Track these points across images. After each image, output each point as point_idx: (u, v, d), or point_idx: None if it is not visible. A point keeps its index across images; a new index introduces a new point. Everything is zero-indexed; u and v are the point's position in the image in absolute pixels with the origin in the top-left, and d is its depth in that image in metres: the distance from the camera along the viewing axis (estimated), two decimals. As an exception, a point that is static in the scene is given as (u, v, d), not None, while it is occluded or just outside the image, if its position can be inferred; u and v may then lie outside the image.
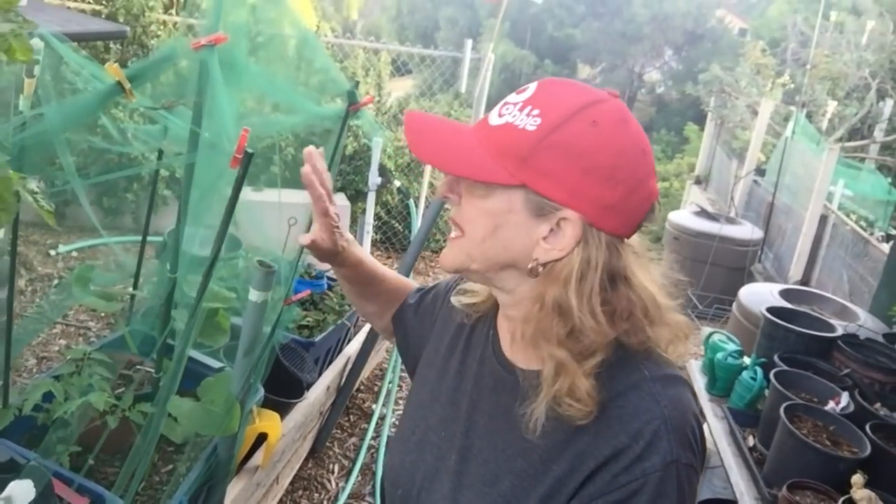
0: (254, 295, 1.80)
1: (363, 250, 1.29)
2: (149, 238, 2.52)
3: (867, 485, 2.10)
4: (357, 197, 5.84)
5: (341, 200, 5.61)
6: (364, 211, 4.60)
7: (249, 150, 1.23)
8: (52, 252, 4.94)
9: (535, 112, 0.89)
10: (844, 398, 2.62)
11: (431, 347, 1.21)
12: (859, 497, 2.04)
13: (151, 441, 1.76)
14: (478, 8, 21.27)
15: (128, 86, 1.26)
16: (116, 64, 1.25)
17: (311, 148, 1.13)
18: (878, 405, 2.64)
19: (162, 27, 6.31)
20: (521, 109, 0.90)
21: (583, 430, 0.90)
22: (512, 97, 0.93)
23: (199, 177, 1.65)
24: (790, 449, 2.33)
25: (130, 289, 2.41)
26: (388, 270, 1.38)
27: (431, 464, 1.07)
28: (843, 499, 2.03)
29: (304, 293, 2.35)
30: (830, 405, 2.58)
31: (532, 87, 0.93)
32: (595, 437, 0.90)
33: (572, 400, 0.89)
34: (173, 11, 6.64)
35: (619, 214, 0.89)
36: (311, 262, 3.44)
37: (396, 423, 3.72)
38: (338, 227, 1.19)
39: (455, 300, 1.16)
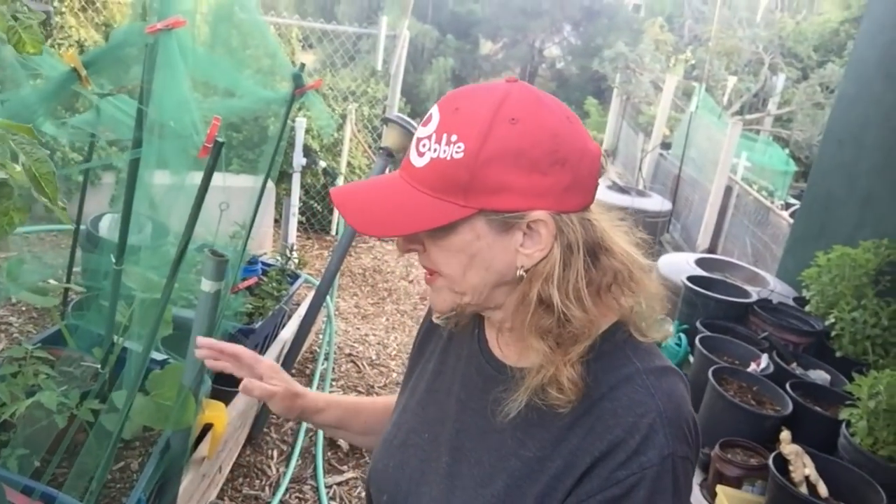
0: (206, 285, 1.76)
1: (322, 396, 1.29)
2: (67, 227, 2.41)
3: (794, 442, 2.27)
4: (281, 179, 5.73)
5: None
6: (289, 193, 4.53)
7: (220, 140, 1.20)
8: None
9: (454, 138, 0.87)
10: (764, 360, 2.80)
11: (420, 345, 1.21)
12: (788, 451, 2.20)
13: (105, 440, 1.71)
14: (379, -19, 21.02)
15: (84, 73, 1.21)
16: (73, 50, 1.20)
17: (200, 341, 1.20)
18: (794, 365, 2.83)
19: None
20: (437, 141, 0.88)
21: (577, 426, 0.90)
22: (421, 131, 0.91)
23: (151, 163, 1.60)
24: (719, 410, 2.48)
25: (59, 282, 2.31)
26: (362, 400, 1.36)
27: (416, 466, 1.06)
28: (773, 454, 2.18)
29: (252, 280, 2.31)
30: (752, 367, 2.75)
31: (435, 115, 0.90)
32: (589, 433, 0.89)
33: (555, 390, 0.89)
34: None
35: (578, 189, 0.90)
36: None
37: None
38: (279, 384, 1.19)
39: (440, 320, 1.13)
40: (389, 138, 3.01)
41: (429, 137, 0.90)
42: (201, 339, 1.20)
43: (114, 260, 1.81)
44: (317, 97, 1.95)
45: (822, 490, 2.12)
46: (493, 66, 17.62)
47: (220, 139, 1.19)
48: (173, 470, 1.92)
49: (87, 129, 1.81)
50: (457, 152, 0.87)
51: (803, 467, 2.17)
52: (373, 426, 1.28)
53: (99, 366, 1.94)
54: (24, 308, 3.55)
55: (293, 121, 4.46)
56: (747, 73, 10.37)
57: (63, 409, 1.77)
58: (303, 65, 1.96)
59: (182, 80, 1.44)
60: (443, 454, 1.03)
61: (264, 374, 1.21)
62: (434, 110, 0.91)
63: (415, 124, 2.99)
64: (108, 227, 3.01)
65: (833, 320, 2.96)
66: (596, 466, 0.87)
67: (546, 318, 0.90)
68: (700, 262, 4.14)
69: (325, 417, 1.26)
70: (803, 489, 2.12)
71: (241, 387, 1.14)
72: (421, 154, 0.90)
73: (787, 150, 7.94)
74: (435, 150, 0.88)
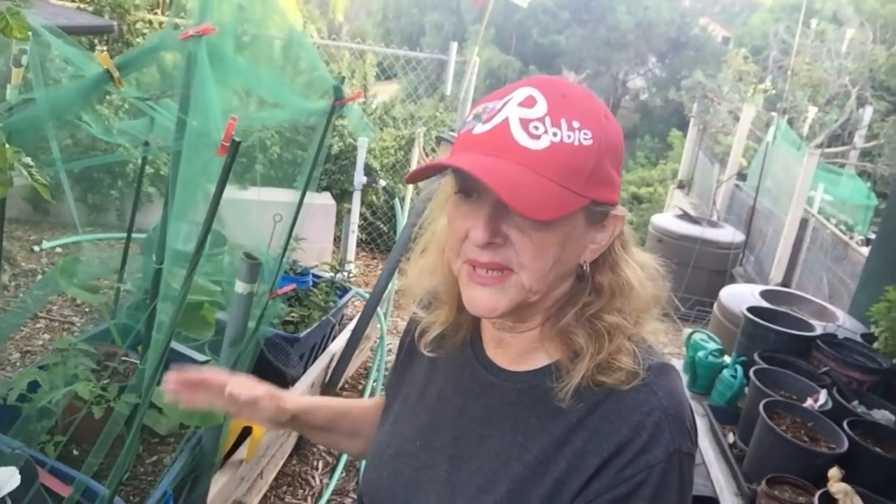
0: (240, 287, 1.81)
1: (306, 398, 1.23)
2: (133, 234, 2.51)
3: (844, 480, 2.14)
4: (343, 196, 5.84)
5: (326, 199, 5.62)
6: (349, 210, 4.62)
7: (237, 139, 1.24)
8: (36, 248, 4.91)
9: (576, 125, 0.83)
10: (823, 396, 2.66)
11: (404, 362, 1.17)
12: (836, 490, 2.08)
13: (136, 431, 1.77)
14: (463, 13, 21.37)
15: (116, 74, 1.27)
16: (106, 52, 1.26)
17: (169, 378, 1.08)
18: (855, 403, 2.68)
19: (148, 26, 6.30)
20: (555, 125, 0.83)
21: (581, 427, 0.89)
22: (526, 112, 0.83)
23: (186, 169, 1.66)
24: (769, 445, 2.37)
25: (115, 283, 2.41)
26: (349, 401, 1.33)
27: (411, 475, 1.03)
28: (820, 492, 2.07)
29: (289, 287, 2.37)
30: (809, 402, 2.61)
31: (539, 98, 0.84)
32: (595, 434, 0.88)
33: (619, 361, 0.89)
34: (159, 11, 6.63)
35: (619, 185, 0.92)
36: (297, 258, 3.46)
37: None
38: (257, 399, 1.10)
39: (427, 347, 1.09)
40: (443, 156, 3.03)
41: (541, 120, 0.83)
42: (171, 376, 1.09)
43: (155, 260, 1.88)
44: (356, 108, 1.99)
45: (874, 534, 2.00)
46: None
47: (236, 139, 1.23)
48: (203, 467, 1.96)
49: (137, 134, 1.90)
50: (585, 139, 0.84)
51: (854, 508, 2.05)
52: (360, 427, 1.25)
53: (138, 362, 2.01)
54: (87, 309, 3.72)
55: (355, 139, 4.56)
56: (834, 105, 10.02)
57: (100, 401, 1.83)
58: (343, 77, 2.01)
59: (210, 85, 1.49)
60: (440, 462, 1.01)
61: (241, 385, 1.12)
62: (532, 92, 0.85)
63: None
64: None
65: (902, 358, 2.80)
66: (604, 467, 0.87)
67: (593, 301, 0.92)
68: (766, 295, 3.99)
69: (314, 418, 1.21)
70: (852, 531, 2.00)
71: (226, 393, 1.08)
72: (535, 136, 0.82)
73: (870, 185, 7.60)
74: (556, 135, 0.83)
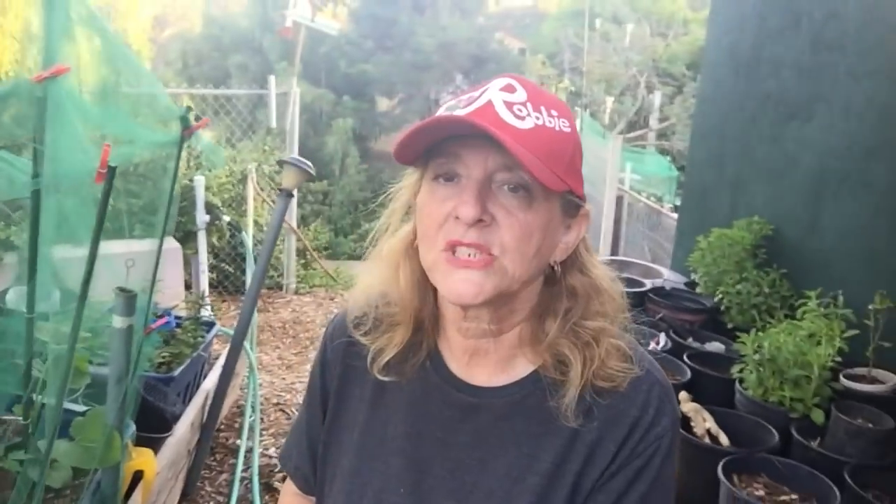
0: (118, 321, 1.83)
1: None
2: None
3: (692, 401, 2.47)
4: (187, 238, 5.71)
5: (170, 243, 5.47)
6: (196, 252, 4.56)
7: (112, 165, 1.30)
8: None
9: (554, 113, 0.85)
10: (662, 338, 3.03)
11: (337, 409, 1.05)
12: (688, 409, 2.40)
13: (33, 488, 1.74)
14: (267, 52, 21.22)
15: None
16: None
17: None
18: (690, 340, 3.07)
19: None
20: (536, 110, 0.84)
21: (588, 419, 0.90)
22: (507, 96, 0.84)
23: (51, 219, 1.66)
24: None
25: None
26: None
27: None
28: (674, 413, 2.37)
29: (162, 321, 2.37)
30: (651, 345, 2.96)
31: (518, 86, 0.86)
32: (604, 423, 0.90)
33: (613, 366, 0.90)
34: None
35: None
36: (155, 300, 3.39)
37: (262, 454, 3.73)
38: None
39: (381, 373, 1.00)
40: (287, 179, 3.12)
41: (524, 104, 0.84)
42: None
43: (25, 311, 1.85)
44: (204, 136, 2.05)
45: (724, 440, 2.32)
46: (392, 122, 18.00)
47: (112, 164, 1.29)
48: (106, 509, 1.94)
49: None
50: (564, 126, 0.85)
51: (703, 422, 2.37)
52: None
53: (21, 418, 1.95)
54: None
55: (191, 180, 4.51)
56: (627, 95, 11.03)
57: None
58: (189, 107, 2.07)
59: (76, 128, 1.53)
60: (440, 501, 0.95)
61: None
62: (510, 81, 0.86)
63: (309, 164, 3.12)
64: (14, 299, 3.00)
65: (721, 296, 3.22)
66: (620, 450, 0.89)
67: (572, 307, 0.92)
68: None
69: None
70: (706, 441, 2.31)
71: None
72: (519, 117, 0.83)
73: (669, 159, 8.47)
74: (538, 118, 0.83)
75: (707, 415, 2.40)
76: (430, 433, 0.96)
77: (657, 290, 3.50)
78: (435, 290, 0.94)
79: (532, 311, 0.94)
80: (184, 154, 2.42)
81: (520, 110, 0.83)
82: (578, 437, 0.90)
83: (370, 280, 1.01)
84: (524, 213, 0.84)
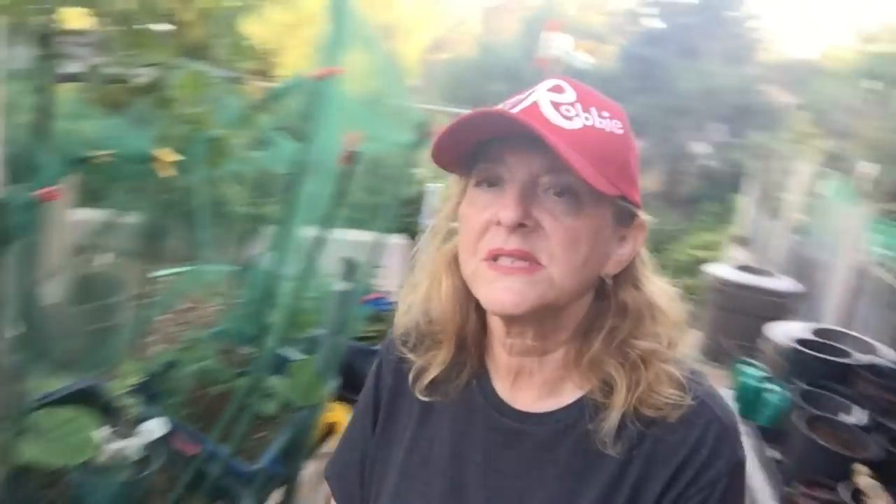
0: (339, 285, 2.19)
1: None
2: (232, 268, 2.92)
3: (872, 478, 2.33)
4: (414, 236, 6.19)
5: (399, 240, 5.96)
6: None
7: (358, 150, 1.62)
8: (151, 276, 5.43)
9: (606, 114, 0.81)
10: (860, 412, 2.86)
11: (385, 424, 1.02)
12: (864, 485, 2.28)
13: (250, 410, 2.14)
14: (525, 82, 21.95)
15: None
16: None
17: None
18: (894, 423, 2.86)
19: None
20: (586, 111, 0.81)
21: (635, 455, 0.84)
22: (555, 97, 0.81)
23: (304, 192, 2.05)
24: (807, 453, 2.58)
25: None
26: None
27: None
28: (851, 489, 2.27)
29: (377, 295, 2.72)
30: (841, 416, 2.82)
31: (567, 87, 0.83)
32: (649, 460, 0.84)
33: (662, 393, 0.83)
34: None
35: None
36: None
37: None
38: None
39: (423, 393, 0.97)
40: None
41: (572, 104, 0.80)
42: None
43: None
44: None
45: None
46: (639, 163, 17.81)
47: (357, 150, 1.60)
48: (301, 439, 2.30)
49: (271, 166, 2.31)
50: (617, 128, 0.81)
51: (879, 501, 2.25)
52: None
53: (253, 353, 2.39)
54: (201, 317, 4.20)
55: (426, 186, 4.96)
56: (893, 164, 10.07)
57: (223, 381, 2.22)
58: (426, 119, 2.40)
59: (337, 123, 1.89)
60: None
61: None
62: (559, 82, 0.83)
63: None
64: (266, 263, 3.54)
65: (941, 385, 2.95)
66: (668, 490, 0.82)
67: (619, 323, 0.86)
68: (814, 331, 4.15)
69: None
70: (879, 520, 2.20)
71: None
72: (567, 117, 0.79)
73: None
74: (587, 119, 0.80)
75: (887, 497, 2.27)
76: (472, 457, 0.92)
77: (871, 367, 3.28)
78: (479, 307, 0.89)
79: (578, 329, 0.88)
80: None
81: (567, 110, 0.80)
82: (623, 476, 0.84)
83: (413, 297, 0.98)
84: (571, 219, 0.80)
